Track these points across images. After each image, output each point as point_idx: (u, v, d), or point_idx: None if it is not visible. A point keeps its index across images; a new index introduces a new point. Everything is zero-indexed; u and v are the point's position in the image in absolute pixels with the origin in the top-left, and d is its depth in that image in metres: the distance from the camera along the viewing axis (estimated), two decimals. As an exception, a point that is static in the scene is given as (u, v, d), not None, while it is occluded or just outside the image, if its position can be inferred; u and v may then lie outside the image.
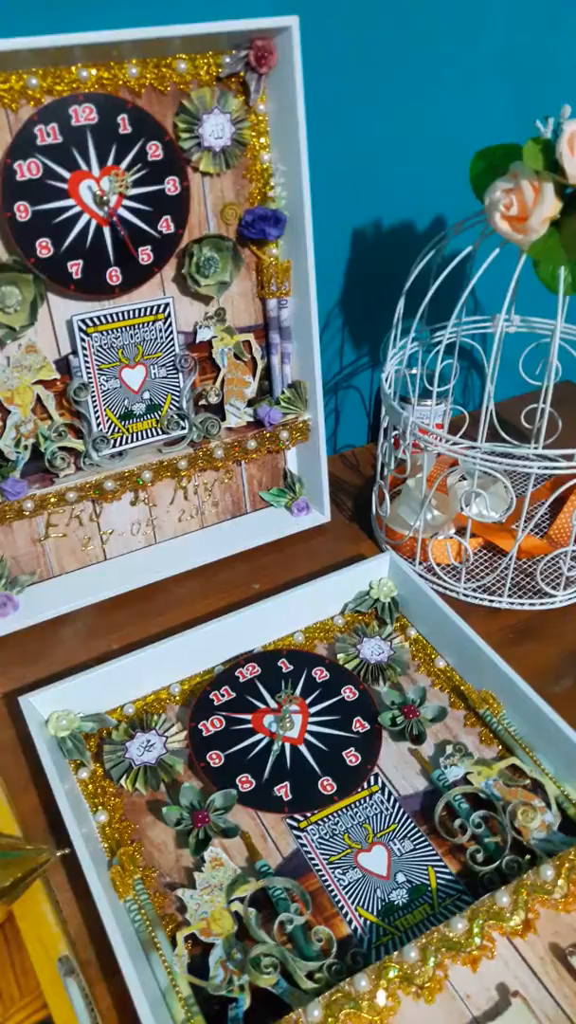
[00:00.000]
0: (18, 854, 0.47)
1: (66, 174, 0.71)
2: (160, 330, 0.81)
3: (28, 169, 0.69)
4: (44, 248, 0.72)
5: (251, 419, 0.91)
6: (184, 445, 0.87)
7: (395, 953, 0.53)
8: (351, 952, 0.56)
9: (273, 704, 0.72)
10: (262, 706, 0.72)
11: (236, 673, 0.75)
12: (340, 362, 1.05)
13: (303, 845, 0.63)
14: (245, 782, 0.66)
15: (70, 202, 0.71)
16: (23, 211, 0.70)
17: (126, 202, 0.74)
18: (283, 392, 0.90)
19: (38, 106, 0.68)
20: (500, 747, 0.69)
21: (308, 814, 0.65)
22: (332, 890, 0.60)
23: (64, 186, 0.71)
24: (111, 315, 0.78)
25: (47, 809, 0.66)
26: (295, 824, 0.64)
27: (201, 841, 0.62)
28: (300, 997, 0.53)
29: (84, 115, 0.69)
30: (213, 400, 0.88)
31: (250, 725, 0.71)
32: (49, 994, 0.43)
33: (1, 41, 0.63)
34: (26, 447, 0.79)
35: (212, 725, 0.71)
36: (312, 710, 0.72)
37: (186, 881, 0.61)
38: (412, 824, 0.64)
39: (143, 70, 0.71)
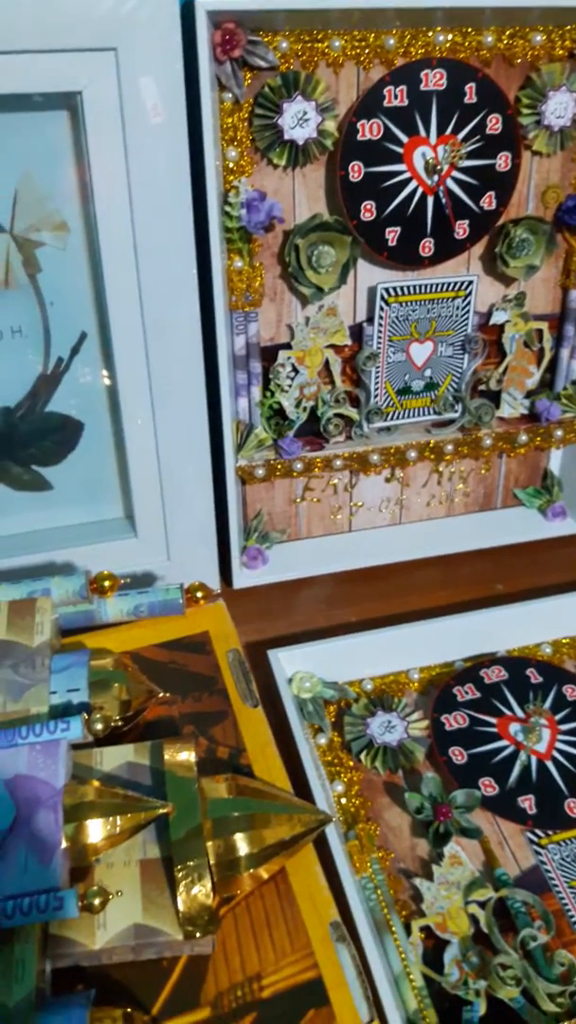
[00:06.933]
0: (299, 810, 0.47)
1: (404, 138, 0.69)
2: (458, 308, 0.78)
3: (369, 130, 0.68)
4: (367, 211, 0.71)
5: (525, 411, 0.87)
6: (453, 429, 0.85)
7: None
8: (591, 986, 0.53)
9: (520, 713, 0.69)
10: (508, 713, 0.69)
11: (481, 673, 0.73)
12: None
13: (543, 862, 0.60)
14: (488, 786, 0.64)
15: (402, 167, 0.70)
16: (356, 171, 0.69)
17: (455, 173, 0.72)
18: (566, 388, 0.86)
19: (390, 67, 0.67)
20: None
21: (550, 832, 0.62)
22: (572, 915, 0.57)
23: (400, 150, 0.69)
24: (415, 287, 0.76)
25: (282, 768, 0.66)
26: (535, 839, 0.62)
27: (441, 835, 0.60)
28: (538, 1017, 0.51)
29: (434, 80, 0.68)
30: (493, 387, 0.85)
31: (495, 729, 0.68)
32: (320, 955, 0.43)
33: (368, -1, 0.63)
34: (305, 408, 0.79)
35: (455, 720, 0.69)
36: (562, 728, 0.69)
37: (420, 871, 0.59)
38: None
39: (497, 39, 0.69)
